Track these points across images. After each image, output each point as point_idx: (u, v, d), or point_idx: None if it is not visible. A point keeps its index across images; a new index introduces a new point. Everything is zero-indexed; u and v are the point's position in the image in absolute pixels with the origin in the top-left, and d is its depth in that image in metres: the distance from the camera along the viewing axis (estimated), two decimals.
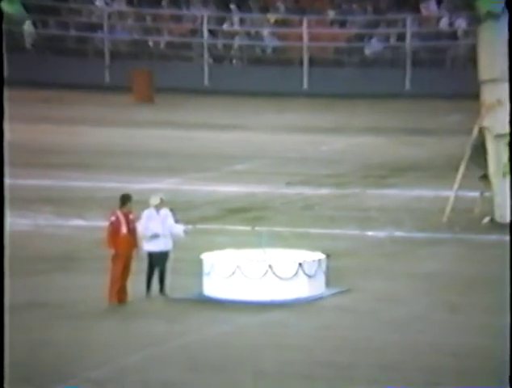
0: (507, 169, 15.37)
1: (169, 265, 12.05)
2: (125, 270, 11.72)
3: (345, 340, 10.61)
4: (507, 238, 12.82)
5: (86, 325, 11.01)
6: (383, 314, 11.45)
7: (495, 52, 15.14)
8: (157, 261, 11.92)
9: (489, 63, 15.32)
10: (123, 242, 11.71)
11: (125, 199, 11.85)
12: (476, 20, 16.25)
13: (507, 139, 15.33)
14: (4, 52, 28.54)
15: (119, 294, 11.68)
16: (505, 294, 10.62)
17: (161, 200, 12.02)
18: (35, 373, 9.20)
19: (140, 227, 11.91)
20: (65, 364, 9.70)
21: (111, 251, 11.67)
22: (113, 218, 11.72)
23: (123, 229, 11.67)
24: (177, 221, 12.11)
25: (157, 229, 11.88)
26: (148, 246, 11.92)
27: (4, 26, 28.10)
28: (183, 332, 10.82)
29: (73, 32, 29.35)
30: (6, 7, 27.83)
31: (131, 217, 11.84)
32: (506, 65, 15.17)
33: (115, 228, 11.67)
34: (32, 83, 27.77)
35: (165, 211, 12.00)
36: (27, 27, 29.35)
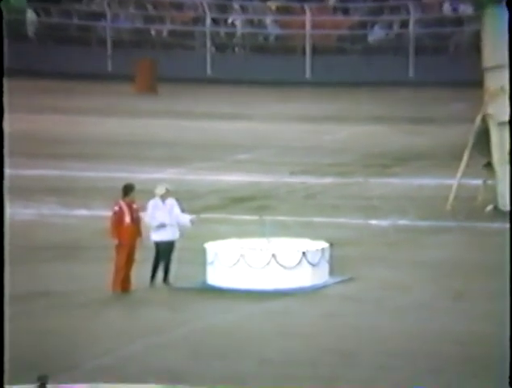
0: (511, 156, 15.33)
1: (174, 254, 12.07)
2: (129, 259, 11.75)
3: (348, 328, 10.63)
4: (510, 225, 12.78)
5: (90, 314, 11.04)
6: (386, 302, 11.47)
7: (499, 38, 15.05)
8: (164, 251, 11.95)
9: (493, 49, 15.25)
10: (127, 231, 11.74)
11: (127, 189, 11.87)
12: (479, 6, 16.16)
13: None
14: (5, 41, 28.35)
15: (123, 283, 11.71)
16: (508, 281, 10.61)
17: (167, 189, 12.05)
18: (38, 361, 9.24)
19: (147, 217, 11.94)
20: (68, 352, 9.74)
21: (115, 241, 11.70)
22: (116, 208, 11.75)
23: (127, 219, 11.70)
24: (182, 211, 12.13)
25: (163, 218, 11.90)
26: (155, 236, 11.95)
27: (5, 14, 27.85)
28: (187, 321, 10.85)
29: (75, 21, 29.28)
30: None
31: (134, 206, 11.86)
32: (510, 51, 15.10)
33: (118, 218, 11.70)
34: (35, 73, 27.72)
35: (171, 201, 12.02)
36: (30, 15, 29.26)
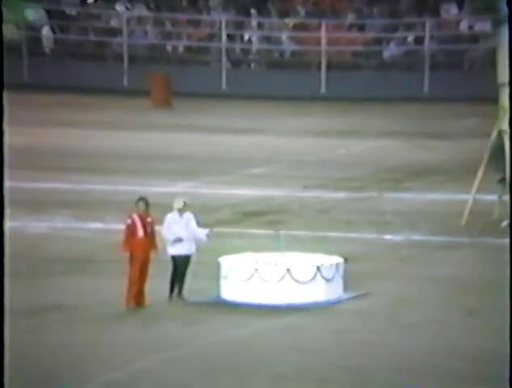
0: None
1: (188, 268, 12.07)
2: (142, 273, 11.75)
3: (362, 344, 10.58)
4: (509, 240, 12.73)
5: (103, 328, 11.04)
6: (400, 318, 11.41)
7: (508, 52, 15.03)
8: (180, 265, 11.95)
9: (508, 66, 15.24)
10: (140, 245, 11.75)
11: (139, 202, 11.88)
12: (496, 23, 16.17)
13: None
14: (23, 57, 28.80)
15: (137, 297, 11.71)
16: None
17: (185, 203, 12.06)
18: (51, 375, 9.23)
19: (164, 231, 11.94)
20: (80, 367, 9.73)
21: (126, 254, 11.70)
22: (129, 221, 11.77)
23: (140, 233, 11.71)
24: (197, 225, 12.14)
25: (180, 232, 11.92)
26: (172, 250, 11.96)
27: (23, 31, 28.30)
28: (200, 335, 10.83)
29: (92, 37, 29.49)
30: (27, 14, 28.06)
31: (148, 220, 11.88)
32: None
33: (131, 231, 11.71)
34: (52, 87, 27.93)
35: (188, 215, 12.04)
36: (46, 32, 29.52)
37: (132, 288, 11.71)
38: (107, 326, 11.09)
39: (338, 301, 11.93)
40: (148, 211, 11.86)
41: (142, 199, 11.94)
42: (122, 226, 12.18)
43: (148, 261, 11.78)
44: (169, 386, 9.25)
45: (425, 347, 10.51)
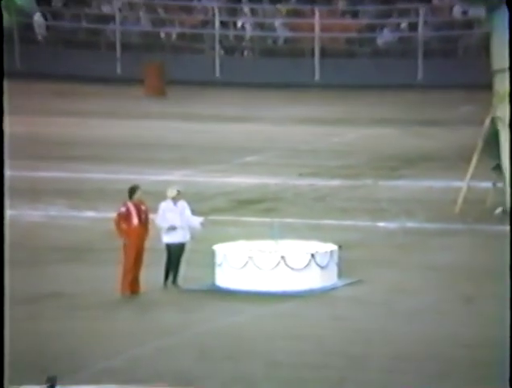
0: None
1: (183, 256, 12.08)
2: (137, 261, 11.75)
3: (357, 331, 10.62)
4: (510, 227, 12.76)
5: (99, 315, 11.06)
6: (395, 305, 11.45)
7: (508, 40, 14.98)
8: (175, 253, 11.97)
9: (502, 52, 15.22)
10: (135, 232, 11.73)
11: (132, 190, 11.88)
12: (489, 9, 16.14)
13: None
14: (15, 44, 28.61)
15: (132, 285, 11.71)
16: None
17: (179, 192, 12.07)
18: (48, 362, 9.25)
19: (158, 219, 11.94)
20: (77, 354, 9.75)
21: (125, 241, 11.69)
22: (123, 209, 11.75)
23: (135, 221, 11.70)
24: (192, 213, 12.15)
25: (174, 221, 11.92)
26: (166, 238, 11.97)
27: (13, 18, 28.13)
28: (195, 323, 10.85)
29: (84, 24, 29.35)
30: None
31: (143, 208, 11.87)
32: None
33: (126, 219, 11.68)
34: (45, 75, 27.80)
35: (182, 203, 12.04)
36: (37, 18, 29.33)
37: (126, 277, 11.71)
38: (103, 314, 11.11)
39: (333, 288, 11.95)
40: (141, 198, 11.84)
41: (137, 187, 11.91)
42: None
43: (143, 249, 11.78)
44: (165, 373, 9.27)
45: (421, 333, 10.55)
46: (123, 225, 11.68)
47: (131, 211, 11.72)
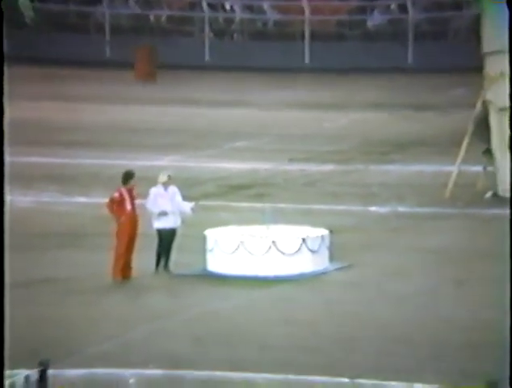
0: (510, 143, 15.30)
1: (174, 241, 12.07)
2: (129, 246, 11.75)
3: (349, 314, 10.65)
4: (510, 212, 12.79)
5: (91, 300, 11.06)
6: (387, 289, 11.49)
7: (498, 23, 15.00)
8: (166, 238, 11.98)
9: (493, 35, 15.19)
10: (128, 218, 11.72)
11: (127, 176, 11.87)
12: None
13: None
14: (3, 28, 28.24)
15: (124, 270, 11.71)
16: (507, 267, 10.59)
17: (169, 177, 12.05)
18: (40, 347, 9.26)
19: (149, 204, 11.93)
20: (69, 338, 9.76)
21: (118, 225, 11.63)
22: (116, 195, 11.73)
23: (128, 206, 11.69)
24: (182, 198, 12.12)
25: (165, 206, 11.92)
26: (157, 224, 11.97)
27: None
28: (187, 307, 10.87)
29: (72, 7, 29.13)
30: None
31: (135, 193, 11.85)
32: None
33: (119, 204, 11.66)
34: (32, 59, 27.60)
35: (173, 188, 12.04)
36: (23, 0, 28.99)
37: (118, 262, 11.71)
38: (95, 299, 11.11)
39: (325, 272, 11.98)
40: (133, 184, 11.81)
41: (132, 172, 11.88)
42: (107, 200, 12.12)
43: (136, 234, 11.77)
44: (158, 357, 9.29)
45: (412, 316, 10.59)
46: (117, 211, 11.65)
47: (124, 196, 11.70)
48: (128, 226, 11.73)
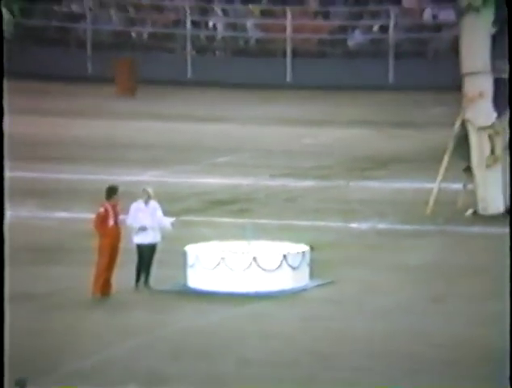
0: (490, 161, 15.45)
1: (155, 257, 12.04)
2: (111, 262, 11.69)
3: (329, 330, 10.66)
4: (490, 230, 12.87)
5: (71, 316, 10.98)
6: (367, 305, 11.51)
7: (477, 44, 15.18)
8: (146, 253, 11.94)
9: (471, 56, 15.37)
10: (111, 233, 11.68)
11: (111, 191, 11.83)
12: (458, 12, 16.30)
13: (490, 131, 15.40)
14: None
15: (104, 287, 11.64)
16: (488, 284, 10.64)
17: (150, 192, 12.02)
18: (17, 363, 9.18)
19: (129, 219, 11.91)
20: (48, 355, 9.67)
21: (100, 241, 11.59)
22: (102, 210, 11.67)
23: (111, 222, 11.64)
24: (164, 214, 12.10)
25: (145, 221, 11.91)
26: (137, 239, 11.95)
27: None
28: (167, 323, 10.83)
29: (54, 23, 29.12)
30: None
31: (118, 209, 11.81)
32: (488, 58, 15.22)
33: (102, 219, 11.63)
34: (12, 74, 27.46)
35: (153, 203, 12.03)
36: (5, 14, 28.86)
37: (99, 278, 11.65)
38: (74, 315, 11.03)
39: (305, 289, 11.99)
40: (117, 199, 11.77)
41: (116, 187, 11.85)
42: (89, 215, 12.08)
43: (118, 250, 11.72)
44: (138, 373, 9.23)
45: (392, 332, 10.61)
46: (100, 226, 11.60)
47: (108, 211, 11.66)
48: (110, 242, 11.68)
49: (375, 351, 10.01)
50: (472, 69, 15.34)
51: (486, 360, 8.05)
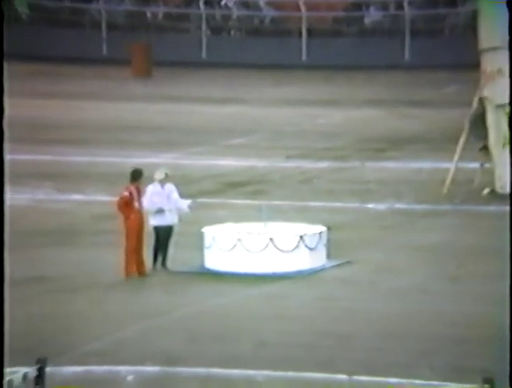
0: (507, 139, 15.31)
1: (171, 239, 12.06)
2: (139, 243, 11.70)
3: (346, 310, 10.65)
4: (507, 208, 12.81)
5: (87, 298, 11.03)
6: (383, 285, 11.48)
7: (495, 19, 14.96)
8: (163, 235, 11.97)
9: (489, 31, 15.16)
10: (136, 216, 11.70)
11: (136, 174, 11.88)
12: None
13: (508, 109, 15.24)
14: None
15: (139, 267, 11.65)
16: (504, 264, 10.59)
17: (166, 174, 12.03)
18: (36, 345, 9.23)
19: (145, 202, 11.92)
20: (65, 336, 9.73)
21: (130, 218, 11.55)
22: (126, 193, 11.72)
23: (136, 204, 11.69)
24: (180, 196, 12.10)
25: (162, 203, 11.91)
26: (154, 221, 11.95)
27: None
28: (184, 304, 10.85)
29: (67, 3, 29.03)
30: None
31: (141, 191, 11.84)
32: (507, 33, 15.00)
33: (127, 203, 11.65)
34: (27, 56, 27.51)
35: (169, 186, 12.04)
36: None
37: (130, 259, 11.67)
38: (91, 297, 11.08)
39: (322, 270, 11.96)
40: (140, 183, 11.81)
41: (141, 170, 11.84)
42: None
43: (144, 231, 11.72)
44: (154, 354, 9.26)
45: (409, 312, 10.59)
46: (125, 209, 11.61)
47: (133, 194, 11.70)
48: (137, 224, 11.68)
49: (392, 331, 10.00)
50: (491, 45, 15.11)
51: (504, 340, 8.01)
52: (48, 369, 7.41)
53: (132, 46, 26.76)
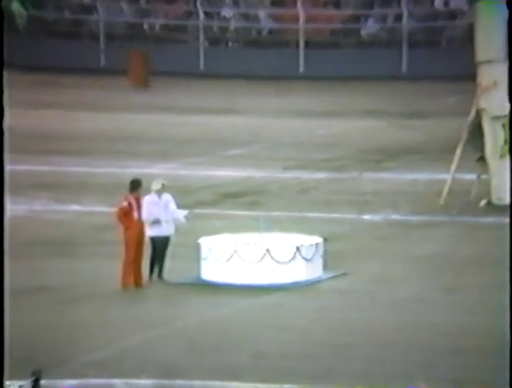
0: (504, 150, 15.36)
1: (168, 250, 12.07)
2: (138, 254, 11.71)
3: (342, 321, 10.66)
4: (504, 220, 12.85)
5: (86, 308, 11.04)
6: (379, 296, 11.50)
7: (492, 32, 15.06)
8: (159, 246, 11.97)
9: (486, 44, 15.26)
10: (136, 226, 11.72)
11: (135, 184, 11.88)
12: (471, 0, 16.19)
13: (504, 120, 15.30)
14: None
15: (136, 278, 11.66)
16: (501, 275, 10.62)
17: (163, 185, 12.05)
18: (33, 356, 9.22)
19: (143, 212, 11.93)
20: (63, 347, 9.73)
21: (125, 235, 11.60)
22: (125, 204, 11.71)
23: (135, 215, 11.69)
24: (177, 206, 12.12)
25: (159, 214, 11.92)
26: (151, 232, 11.97)
27: None
28: (181, 315, 10.85)
29: (67, 15, 29.13)
30: None
31: (140, 202, 11.85)
32: (503, 46, 15.11)
33: (127, 213, 11.66)
34: (27, 67, 27.56)
35: (166, 196, 12.04)
36: (16, 7, 28.88)
37: (128, 270, 11.67)
38: (88, 308, 11.08)
39: (318, 281, 11.98)
40: (139, 193, 11.82)
41: (140, 180, 11.86)
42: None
43: (143, 242, 11.73)
44: (152, 365, 9.26)
45: (405, 323, 10.60)
46: (125, 220, 11.63)
47: (132, 205, 11.70)
48: (136, 234, 11.70)
49: (388, 342, 10.01)
50: (487, 58, 15.22)
51: (500, 351, 8.02)
52: (43, 382, 7.39)
53: (130, 53, 26.80)
